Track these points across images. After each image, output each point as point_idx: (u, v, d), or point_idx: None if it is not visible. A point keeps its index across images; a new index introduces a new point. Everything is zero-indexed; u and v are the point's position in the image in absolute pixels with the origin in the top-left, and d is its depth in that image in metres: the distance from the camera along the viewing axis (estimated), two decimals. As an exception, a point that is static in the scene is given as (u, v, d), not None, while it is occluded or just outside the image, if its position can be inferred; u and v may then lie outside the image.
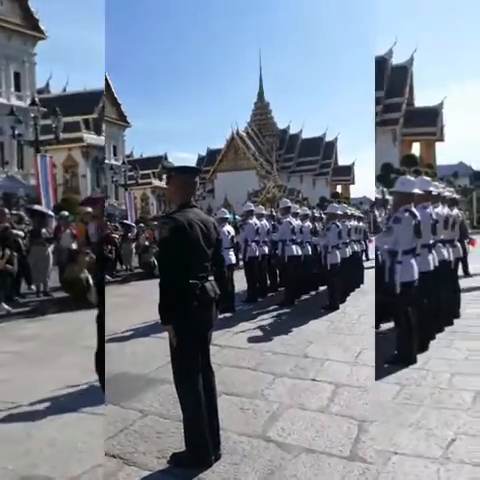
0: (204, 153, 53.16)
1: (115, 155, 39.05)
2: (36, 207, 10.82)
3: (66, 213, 9.87)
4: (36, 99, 14.66)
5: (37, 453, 2.80)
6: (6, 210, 8.52)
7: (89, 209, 10.01)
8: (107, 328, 5.79)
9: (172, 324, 2.45)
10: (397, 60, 39.55)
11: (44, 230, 8.61)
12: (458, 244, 5.87)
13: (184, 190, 2.60)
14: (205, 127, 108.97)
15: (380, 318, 5.35)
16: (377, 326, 5.40)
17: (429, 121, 38.32)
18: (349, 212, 8.84)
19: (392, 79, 37.48)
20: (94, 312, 3.43)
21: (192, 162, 48.29)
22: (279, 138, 52.40)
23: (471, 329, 5.42)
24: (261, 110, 53.13)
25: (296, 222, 7.68)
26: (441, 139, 39.91)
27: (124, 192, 24.49)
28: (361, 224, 10.63)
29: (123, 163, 27.90)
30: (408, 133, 38.73)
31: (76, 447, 2.85)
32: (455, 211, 5.78)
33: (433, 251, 4.71)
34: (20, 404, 3.51)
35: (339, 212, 7.51)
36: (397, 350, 4.28)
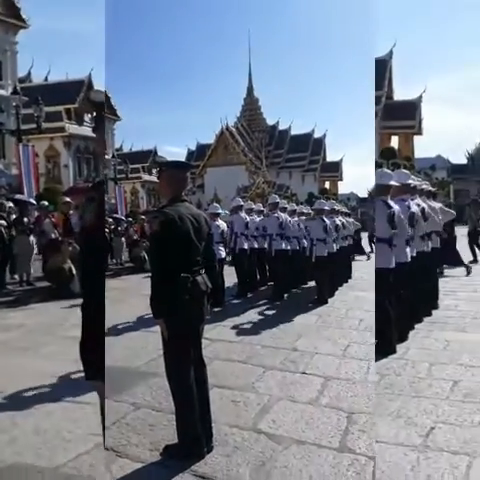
0: (194, 147, 52.93)
1: (105, 149, 38.51)
2: (18, 196, 10.72)
3: (46, 203, 9.80)
4: (18, 88, 14.44)
5: (23, 441, 2.82)
6: None
7: (67, 199, 9.97)
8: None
9: (164, 318, 2.46)
10: (376, 54, 39.82)
11: (26, 219, 8.56)
12: (435, 236, 6.02)
13: (175, 185, 2.61)
14: (195, 121, 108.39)
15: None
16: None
17: (408, 114, 38.71)
18: (336, 208, 8.93)
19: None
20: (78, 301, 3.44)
21: (182, 156, 48.01)
22: (268, 134, 52.36)
23: (449, 320, 5.57)
24: (250, 105, 52.99)
25: (284, 217, 7.74)
26: (419, 133, 40.34)
27: (114, 186, 24.27)
28: (350, 220, 10.74)
29: (113, 157, 27.64)
30: (387, 126, 39.03)
31: (61, 436, 2.88)
32: (432, 203, 5.92)
33: (411, 243, 4.82)
34: (4, 393, 3.52)
35: (326, 208, 7.63)
36: (376, 340, 4.37)
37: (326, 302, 6.93)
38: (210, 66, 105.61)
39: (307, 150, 51.57)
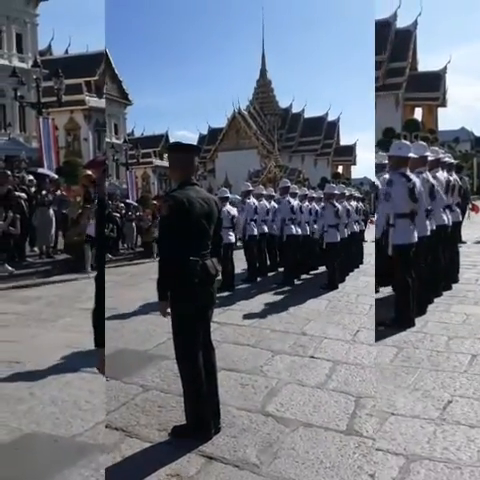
0: (205, 132, 52.62)
1: (116, 133, 38.63)
2: (39, 170, 10.83)
3: (56, 176, 9.90)
4: (38, 61, 14.46)
5: (40, 411, 2.90)
6: (8, 172, 8.50)
7: (88, 172, 10.05)
8: (108, 305, 5.91)
9: (166, 301, 2.48)
10: (401, 24, 38.60)
11: (45, 192, 8.67)
12: (457, 209, 5.92)
13: (184, 168, 2.59)
14: (207, 105, 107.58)
15: (379, 282, 5.44)
16: (376, 290, 5.48)
17: (432, 86, 37.83)
18: (347, 192, 8.81)
19: (395, 43, 36.76)
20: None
21: (193, 141, 47.78)
22: (281, 117, 51.75)
23: (469, 294, 5.52)
24: (263, 88, 52.28)
25: (295, 202, 7.67)
26: (443, 104, 39.41)
27: (125, 171, 24.31)
28: (360, 205, 10.61)
29: (124, 142, 27.63)
30: (410, 98, 38.26)
31: (79, 405, 2.96)
32: (454, 176, 5.79)
33: (431, 216, 4.74)
34: (23, 363, 3.61)
35: (336, 192, 7.50)
36: (395, 313, 4.35)
37: (336, 287, 6.91)
38: (223, 48, 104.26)
39: (320, 134, 50.92)
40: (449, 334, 4.06)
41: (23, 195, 8.26)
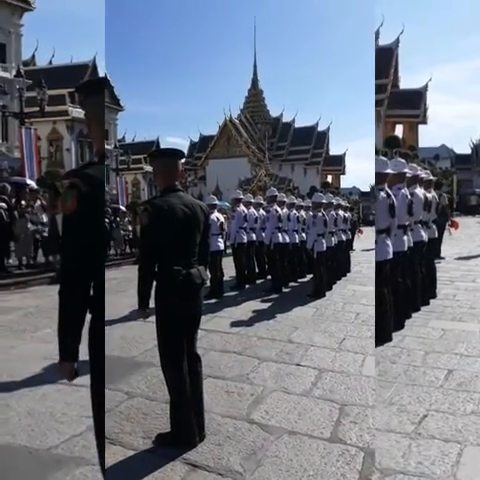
0: (197, 139, 52.74)
1: (107, 139, 38.51)
2: (15, 179, 10.75)
3: (34, 186, 9.84)
4: (21, 71, 14.36)
5: (16, 423, 2.85)
6: None
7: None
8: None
9: (156, 309, 2.49)
10: (383, 41, 39.49)
11: (23, 202, 8.62)
12: (433, 225, 6.02)
13: (167, 174, 2.54)
14: (198, 113, 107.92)
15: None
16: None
17: (413, 103, 38.58)
18: (335, 202, 8.89)
19: (377, 60, 37.51)
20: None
21: (184, 147, 47.89)
22: (272, 126, 52.15)
23: (447, 309, 5.60)
24: (255, 97, 52.73)
25: (283, 210, 7.73)
26: (424, 122, 40.14)
27: (115, 176, 24.23)
28: (348, 214, 10.71)
29: (115, 147, 27.59)
30: (392, 115, 38.93)
31: (55, 417, 2.92)
32: (432, 193, 5.90)
33: (408, 232, 4.81)
34: None
35: (324, 201, 7.57)
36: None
37: (324, 295, 6.95)
38: (215, 57, 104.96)
39: (310, 143, 51.38)
40: (426, 349, 4.09)
41: (3, 205, 8.20)
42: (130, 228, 13.43)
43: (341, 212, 9.05)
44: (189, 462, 2.42)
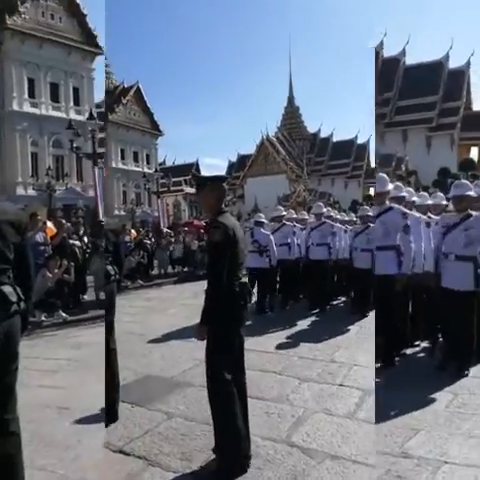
0: (234, 159, 53.50)
1: (148, 163, 39.98)
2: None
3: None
4: (93, 113, 15.25)
5: (86, 459, 2.75)
6: (64, 221, 8.76)
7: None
8: (136, 331, 5.91)
9: (211, 325, 2.48)
10: (454, 64, 39.11)
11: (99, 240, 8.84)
12: None
13: (218, 198, 2.68)
14: (236, 133, 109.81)
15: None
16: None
17: None
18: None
19: (449, 83, 37.05)
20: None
21: (222, 168, 48.66)
22: (310, 142, 52.01)
23: None
24: (291, 115, 52.96)
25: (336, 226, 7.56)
26: None
27: (157, 199, 24.95)
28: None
29: (155, 171, 28.49)
30: (466, 137, 37.93)
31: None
32: None
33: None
34: (71, 410, 3.46)
35: (370, 213, 7.30)
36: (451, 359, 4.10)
37: (366, 313, 6.69)
38: (250, 77, 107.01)
39: (350, 156, 50.67)
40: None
41: (77, 243, 8.51)
42: (171, 248, 13.67)
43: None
44: (227, 486, 2.36)
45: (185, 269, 13.73)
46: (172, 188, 32.74)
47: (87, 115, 15.78)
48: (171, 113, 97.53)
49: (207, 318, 2.47)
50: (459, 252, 4.12)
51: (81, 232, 9.66)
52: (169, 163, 48.57)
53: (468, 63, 39.52)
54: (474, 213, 4.16)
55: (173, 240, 14.34)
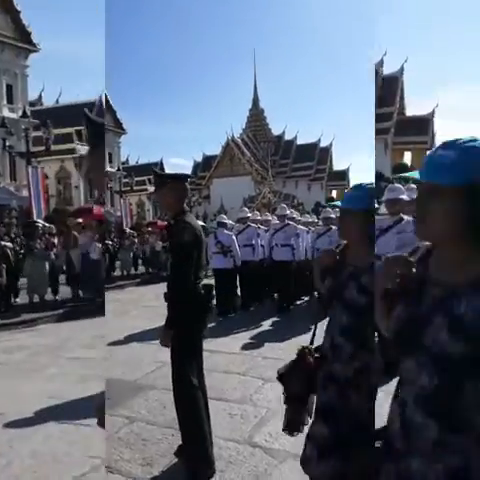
0: (200, 159, 53.31)
1: (110, 162, 39.12)
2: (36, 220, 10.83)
3: (47, 224, 9.87)
4: (27, 111, 14.71)
5: (18, 465, 2.73)
6: None
7: (79, 220, 10.09)
8: (99, 333, 5.77)
9: (176, 327, 2.42)
10: (387, 70, 40.34)
11: (39, 241, 8.55)
12: None
13: (180, 197, 2.60)
14: (201, 133, 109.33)
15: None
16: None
17: (420, 130, 38.89)
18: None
19: (383, 89, 38.22)
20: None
21: (188, 168, 48.39)
22: (274, 144, 52.61)
23: None
24: (256, 117, 53.36)
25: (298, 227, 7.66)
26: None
27: (119, 199, 24.48)
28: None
29: (118, 170, 27.95)
30: (399, 142, 39.24)
31: (58, 459, 2.79)
32: None
33: None
34: (4, 415, 3.41)
35: (333, 216, 7.48)
36: None
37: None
38: (215, 78, 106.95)
39: (313, 159, 51.62)
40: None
41: (9, 244, 8.20)
42: (135, 249, 13.44)
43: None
44: (190, 490, 2.34)
45: (149, 270, 13.54)
46: (135, 187, 32.24)
47: (21, 113, 15.32)
48: (134, 112, 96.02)
49: (173, 321, 2.40)
50: (391, 254, 4.28)
51: (13, 233, 9.36)
52: (132, 162, 47.72)
53: (401, 69, 40.59)
54: (406, 217, 4.30)
55: (136, 240, 14.11)
